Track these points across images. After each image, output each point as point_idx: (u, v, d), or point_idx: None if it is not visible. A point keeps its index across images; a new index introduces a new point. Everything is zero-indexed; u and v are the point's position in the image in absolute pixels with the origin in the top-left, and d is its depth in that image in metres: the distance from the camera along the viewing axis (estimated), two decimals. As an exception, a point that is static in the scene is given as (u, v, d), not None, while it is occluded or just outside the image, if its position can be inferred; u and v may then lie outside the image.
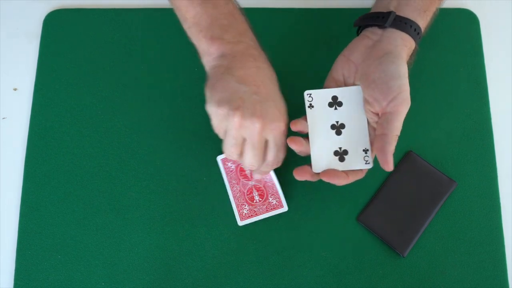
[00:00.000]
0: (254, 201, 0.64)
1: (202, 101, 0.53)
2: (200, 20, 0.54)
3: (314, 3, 0.74)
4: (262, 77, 0.53)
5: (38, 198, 0.65)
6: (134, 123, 0.68)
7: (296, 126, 0.55)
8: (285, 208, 0.63)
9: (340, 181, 0.54)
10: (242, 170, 0.65)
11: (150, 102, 0.69)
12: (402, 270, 0.62)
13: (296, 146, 0.55)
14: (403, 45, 0.54)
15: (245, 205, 0.63)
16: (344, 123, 0.55)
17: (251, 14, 0.72)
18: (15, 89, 0.71)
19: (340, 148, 0.55)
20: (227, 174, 0.65)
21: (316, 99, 0.56)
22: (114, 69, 0.70)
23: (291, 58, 0.71)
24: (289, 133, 0.56)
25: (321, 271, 0.62)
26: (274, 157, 0.55)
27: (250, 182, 0.64)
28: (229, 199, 0.64)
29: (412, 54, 0.56)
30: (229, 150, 0.54)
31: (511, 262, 0.63)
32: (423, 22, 0.56)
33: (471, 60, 0.71)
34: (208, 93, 0.53)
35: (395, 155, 0.66)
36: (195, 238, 0.63)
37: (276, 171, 0.63)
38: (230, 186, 0.64)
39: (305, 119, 0.56)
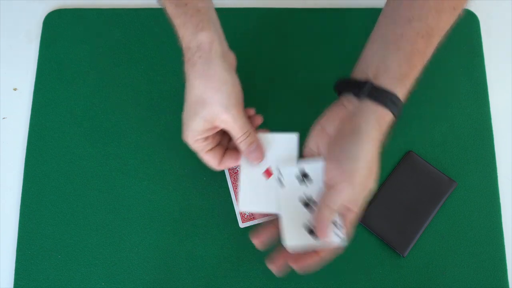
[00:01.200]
0: None
1: (202, 101, 0.53)
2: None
3: (315, 3, 0.74)
4: (185, 97, 0.55)
5: (38, 198, 0.65)
6: (134, 123, 0.68)
7: (259, 239, 0.55)
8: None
9: (312, 264, 0.53)
10: None
11: (150, 102, 0.69)
12: (402, 270, 0.62)
13: (258, 241, 0.55)
14: (376, 123, 0.51)
15: None
16: (315, 198, 0.54)
17: (251, 14, 0.73)
18: (15, 89, 0.71)
19: (311, 222, 0.53)
20: (231, 176, 0.65)
21: (286, 176, 0.54)
22: (114, 69, 0.70)
23: (291, 58, 0.71)
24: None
25: (321, 271, 0.62)
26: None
27: None
28: (230, 199, 0.64)
29: (390, 125, 0.54)
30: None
31: (511, 262, 0.63)
32: (402, 90, 0.52)
33: (471, 60, 0.71)
34: None
35: (395, 155, 0.67)
36: (195, 238, 0.64)
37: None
38: (233, 188, 0.64)
39: (268, 230, 0.55)
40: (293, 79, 0.70)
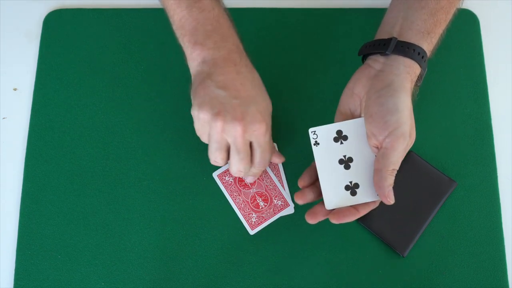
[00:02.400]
0: (260, 208, 0.64)
1: (202, 101, 0.53)
2: (185, 24, 0.55)
3: (314, 3, 0.74)
4: (242, 80, 0.54)
5: (38, 198, 0.65)
6: (134, 123, 0.68)
7: (303, 182, 0.56)
8: (291, 207, 0.64)
9: (350, 219, 0.53)
10: (240, 180, 0.65)
11: (150, 102, 0.69)
12: (402, 270, 0.62)
13: (302, 201, 0.55)
14: (406, 73, 0.52)
15: (252, 214, 0.63)
16: (351, 156, 0.54)
17: (251, 14, 0.73)
18: (15, 89, 0.71)
19: (350, 182, 0.54)
20: (226, 188, 0.65)
21: (321, 135, 0.55)
22: (114, 69, 0.70)
23: (291, 58, 0.71)
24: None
25: (321, 271, 0.62)
26: (260, 158, 0.56)
27: (251, 190, 0.64)
28: (232, 208, 0.64)
29: (418, 79, 0.55)
30: (214, 154, 0.55)
31: (511, 262, 0.63)
32: (427, 45, 0.54)
33: (471, 60, 0.71)
34: (192, 98, 0.54)
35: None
36: (195, 238, 0.64)
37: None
38: (232, 199, 0.64)
39: (308, 173, 0.56)
40: (293, 79, 0.70)
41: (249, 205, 0.64)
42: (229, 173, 0.64)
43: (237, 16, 0.72)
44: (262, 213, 0.63)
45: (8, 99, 0.70)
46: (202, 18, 0.54)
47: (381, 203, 0.61)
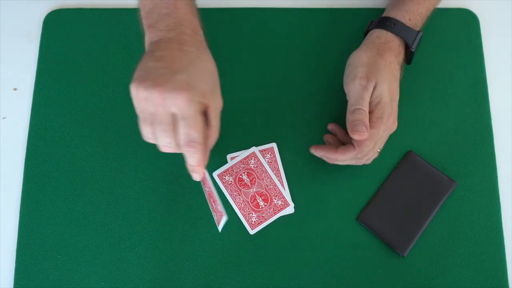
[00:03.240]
0: (260, 208, 0.64)
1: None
2: (144, 7, 0.56)
3: (314, 3, 0.74)
4: (182, 56, 0.50)
5: (38, 198, 0.65)
6: (134, 123, 0.68)
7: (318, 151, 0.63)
8: (291, 206, 0.63)
9: (327, 153, 0.61)
10: (240, 180, 0.65)
11: (150, 102, 0.69)
12: (402, 270, 0.62)
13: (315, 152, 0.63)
14: (367, 39, 0.63)
15: (252, 214, 0.63)
16: None
17: (251, 14, 0.73)
18: (15, 89, 0.71)
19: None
20: (226, 188, 0.65)
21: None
22: (114, 69, 0.70)
23: (291, 58, 0.71)
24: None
25: (321, 271, 0.62)
26: (184, 133, 0.49)
27: (251, 190, 0.64)
28: (232, 208, 0.64)
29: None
30: (142, 130, 0.51)
31: (511, 262, 0.63)
32: (398, 12, 0.63)
33: (471, 60, 0.71)
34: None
35: (395, 155, 0.67)
36: (195, 238, 0.63)
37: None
38: (232, 199, 0.64)
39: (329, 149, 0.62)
40: (292, 79, 0.70)
41: (249, 205, 0.64)
42: (229, 173, 0.64)
43: (237, 16, 0.73)
44: (262, 213, 0.63)
45: (8, 99, 0.70)
46: (159, 2, 0.54)
47: (381, 203, 0.61)
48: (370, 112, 0.59)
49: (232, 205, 0.64)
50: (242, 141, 0.67)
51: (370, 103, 0.59)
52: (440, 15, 0.70)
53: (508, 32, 0.74)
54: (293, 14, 0.73)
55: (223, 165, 0.65)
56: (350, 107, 0.59)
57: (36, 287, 0.62)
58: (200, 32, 0.55)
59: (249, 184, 0.64)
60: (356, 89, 0.59)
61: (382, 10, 0.69)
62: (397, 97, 0.61)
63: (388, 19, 0.62)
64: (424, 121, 0.68)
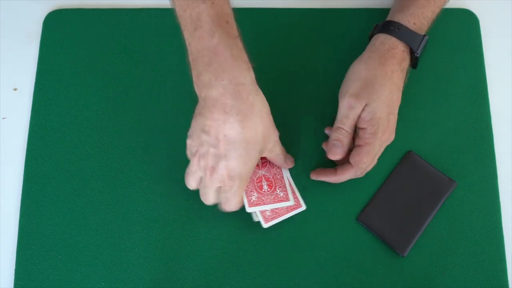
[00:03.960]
0: (263, 190, 0.63)
1: (202, 101, 0.53)
2: (190, 54, 0.52)
3: (315, 3, 0.74)
4: (226, 132, 0.52)
5: (38, 198, 0.65)
6: (134, 123, 0.68)
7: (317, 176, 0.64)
8: (291, 202, 0.63)
9: (328, 178, 0.63)
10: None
11: (150, 102, 0.69)
12: (402, 270, 0.62)
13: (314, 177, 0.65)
14: (370, 46, 0.62)
15: (253, 192, 0.62)
16: None
17: (251, 14, 0.73)
18: (15, 89, 0.71)
19: None
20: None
21: None
22: (114, 69, 0.70)
23: (291, 58, 0.71)
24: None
25: (321, 271, 0.62)
26: (223, 203, 0.58)
27: (260, 172, 0.64)
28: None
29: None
30: (186, 176, 0.58)
31: (511, 262, 0.63)
32: (403, 16, 0.62)
33: (471, 60, 0.71)
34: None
35: (395, 155, 0.67)
36: (195, 238, 0.63)
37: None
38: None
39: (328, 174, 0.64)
40: (293, 79, 0.70)
41: (254, 183, 0.63)
42: None
43: (237, 16, 0.73)
44: (263, 196, 0.62)
45: (8, 99, 0.70)
46: (200, 48, 0.50)
47: (381, 203, 0.61)
48: (362, 129, 0.59)
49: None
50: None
51: (361, 119, 0.58)
52: (440, 15, 0.70)
53: (508, 32, 0.74)
54: (293, 14, 0.73)
55: None
56: (334, 124, 0.61)
57: (36, 287, 0.62)
58: (242, 79, 0.51)
59: (260, 166, 0.64)
60: (343, 106, 0.59)
61: (382, 10, 0.69)
62: (396, 109, 0.60)
63: (392, 23, 0.61)
64: (424, 121, 0.68)
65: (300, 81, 0.70)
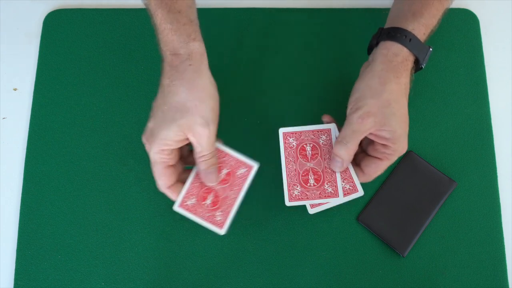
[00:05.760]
0: (308, 185, 0.58)
1: (202, 101, 0.53)
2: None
3: (315, 3, 0.74)
4: (159, 96, 0.55)
5: (38, 198, 0.65)
6: (134, 123, 0.68)
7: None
8: (340, 199, 0.58)
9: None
10: (303, 149, 0.60)
11: (150, 102, 0.69)
12: (402, 270, 0.62)
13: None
14: (382, 56, 0.57)
15: (297, 186, 0.58)
16: None
17: (251, 14, 0.73)
18: (15, 89, 0.71)
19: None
20: (285, 149, 0.60)
21: None
22: (114, 69, 0.70)
23: (291, 58, 0.71)
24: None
25: (321, 271, 0.62)
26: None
27: (308, 164, 0.59)
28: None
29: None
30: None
31: (511, 262, 0.63)
32: (417, 26, 0.58)
33: (471, 60, 0.71)
34: None
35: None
36: (195, 238, 0.64)
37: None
38: (286, 163, 0.59)
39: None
40: (293, 79, 0.70)
41: (299, 176, 0.59)
42: (295, 136, 0.60)
43: (237, 16, 0.73)
44: (307, 191, 0.58)
45: (8, 99, 0.70)
46: (154, 27, 0.56)
47: (381, 203, 0.61)
48: (383, 145, 0.56)
49: (282, 169, 0.59)
50: (242, 141, 0.67)
51: (380, 138, 0.55)
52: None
53: (508, 32, 0.74)
54: (293, 14, 0.73)
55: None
56: (339, 136, 0.56)
57: (36, 287, 0.62)
58: (183, 50, 0.54)
59: (309, 158, 0.59)
60: (353, 121, 0.55)
61: (382, 10, 0.69)
62: (408, 120, 0.57)
63: (404, 32, 0.56)
64: (424, 121, 0.68)
65: (300, 81, 0.70)
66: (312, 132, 0.60)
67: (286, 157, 0.59)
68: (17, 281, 0.62)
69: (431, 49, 0.58)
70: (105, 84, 0.70)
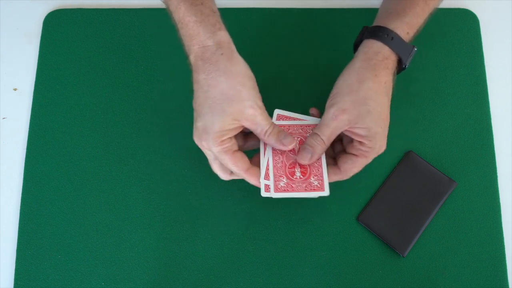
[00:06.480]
0: (294, 177, 0.58)
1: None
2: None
3: (315, 3, 0.74)
4: (198, 94, 0.54)
5: (38, 198, 0.65)
6: (134, 123, 0.68)
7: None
8: (325, 193, 0.58)
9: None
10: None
11: (150, 102, 0.69)
12: (402, 270, 0.62)
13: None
14: (362, 54, 0.57)
15: (283, 178, 0.58)
16: None
17: (251, 14, 0.73)
18: (15, 89, 0.71)
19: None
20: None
21: None
22: (114, 69, 0.70)
23: (291, 58, 0.71)
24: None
25: (321, 271, 0.62)
26: (214, 169, 0.58)
27: (295, 157, 0.59)
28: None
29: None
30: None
31: (511, 262, 0.63)
32: (400, 25, 0.58)
33: (471, 60, 0.71)
34: None
35: (395, 155, 0.67)
36: (195, 238, 0.64)
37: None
38: (273, 155, 0.59)
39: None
40: (292, 79, 0.70)
41: (285, 169, 0.59)
42: (284, 130, 0.60)
43: (237, 16, 0.73)
44: (293, 183, 0.58)
45: (8, 99, 0.70)
46: (177, 22, 0.56)
47: (381, 203, 0.61)
48: (359, 142, 0.56)
49: (269, 161, 0.59)
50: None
51: (356, 135, 0.56)
52: (440, 15, 0.70)
53: (508, 32, 0.74)
54: (293, 14, 0.73)
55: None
56: (314, 129, 0.57)
57: (36, 287, 0.62)
58: (211, 41, 0.54)
59: (296, 151, 0.59)
60: (328, 115, 0.56)
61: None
62: (388, 120, 0.58)
63: (386, 30, 0.57)
64: (424, 121, 0.68)
65: (299, 81, 0.70)
66: (301, 126, 0.61)
67: (273, 148, 0.59)
68: (17, 281, 0.62)
69: (415, 49, 0.58)
70: (105, 84, 0.70)
